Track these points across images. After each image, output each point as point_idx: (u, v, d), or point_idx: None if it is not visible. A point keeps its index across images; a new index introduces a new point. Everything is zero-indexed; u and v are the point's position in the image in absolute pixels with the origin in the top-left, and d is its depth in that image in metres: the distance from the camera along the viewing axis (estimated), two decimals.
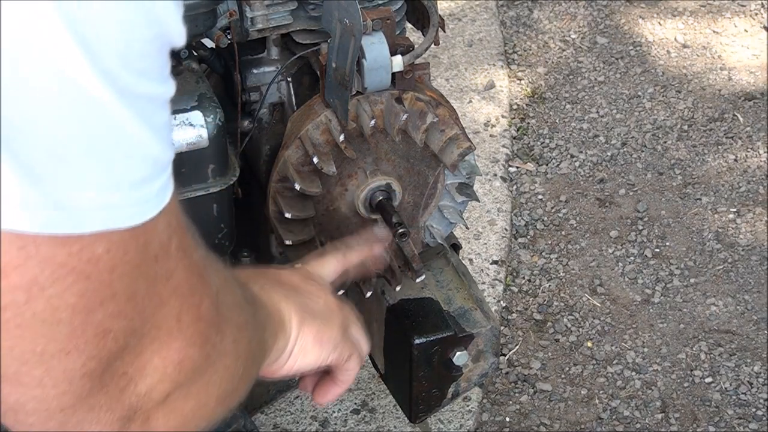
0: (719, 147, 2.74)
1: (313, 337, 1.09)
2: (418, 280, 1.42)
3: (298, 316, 1.08)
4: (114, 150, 0.66)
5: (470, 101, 2.80)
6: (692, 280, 2.40)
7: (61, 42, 0.61)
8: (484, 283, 2.30)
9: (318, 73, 1.36)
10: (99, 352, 0.71)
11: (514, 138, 2.76)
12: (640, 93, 2.90)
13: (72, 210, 0.66)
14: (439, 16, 1.42)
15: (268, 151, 1.44)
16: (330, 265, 1.25)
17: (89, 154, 0.65)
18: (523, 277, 2.41)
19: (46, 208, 0.65)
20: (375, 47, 1.28)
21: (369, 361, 1.58)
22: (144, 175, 0.69)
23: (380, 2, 1.37)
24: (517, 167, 2.68)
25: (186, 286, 0.76)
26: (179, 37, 0.68)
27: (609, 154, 2.72)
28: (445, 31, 1.45)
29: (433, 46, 1.39)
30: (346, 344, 1.14)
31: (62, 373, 0.70)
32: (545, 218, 2.56)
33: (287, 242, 1.37)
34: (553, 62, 3.01)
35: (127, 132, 0.66)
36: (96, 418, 0.73)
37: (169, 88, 0.70)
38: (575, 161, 2.71)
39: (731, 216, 2.55)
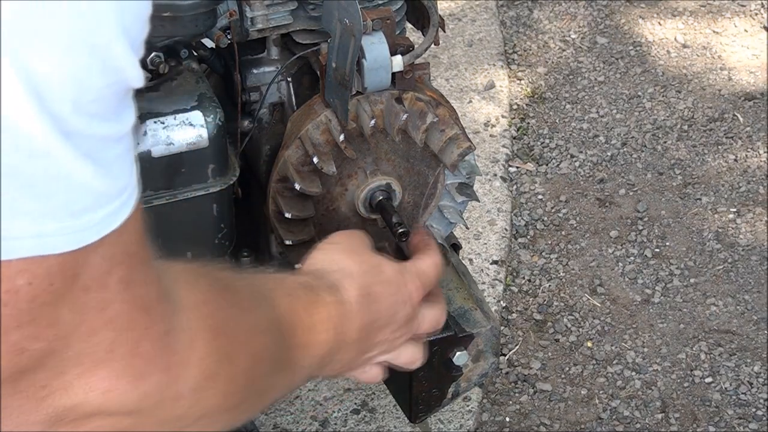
0: (719, 147, 2.74)
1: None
2: None
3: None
4: (51, 185, 0.68)
5: (470, 101, 2.80)
6: (692, 280, 2.40)
7: (10, 89, 0.64)
8: (484, 283, 2.30)
9: (318, 73, 1.36)
10: (12, 366, 0.72)
11: (514, 138, 2.76)
12: (640, 93, 2.90)
13: (4, 240, 0.67)
14: (439, 16, 1.42)
15: (268, 151, 1.44)
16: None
17: (23, 189, 0.67)
18: (523, 277, 2.41)
19: None
20: (375, 47, 1.28)
21: None
22: (84, 206, 0.70)
23: (380, 2, 1.37)
24: (517, 167, 2.68)
25: (124, 320, 0.75)
26: (137, 80, 0.70)
27: (609, 154, 2.72)
28: (445, 31, 1.45)
29: (433, 46, 1.39)
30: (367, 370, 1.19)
31: None
32: (545, 218, 2.56)
33: (287, 242, 1.37)
34: (553, 62, 3.02)
35: (68, 170, 0.68)
36: (12, 416, 0.75)
37: (125, 124, 0.71)
38: (575, 161, 2.71)
39: (731, 216, 2.55)
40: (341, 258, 1.13)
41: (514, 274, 2.42)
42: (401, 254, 1.41)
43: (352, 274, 1.10)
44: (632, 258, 2.45)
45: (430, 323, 1.22)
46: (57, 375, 0.74)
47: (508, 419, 2.12)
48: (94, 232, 0.71)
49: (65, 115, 0.66)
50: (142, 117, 1.27)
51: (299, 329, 0.98)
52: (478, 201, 1.59)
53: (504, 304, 2.33)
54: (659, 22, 3.14)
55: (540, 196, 2.61)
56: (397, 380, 1.50)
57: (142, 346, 0.77)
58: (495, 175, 2.59)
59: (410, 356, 1.22)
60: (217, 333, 0.85)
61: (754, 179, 2.65)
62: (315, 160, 1.32)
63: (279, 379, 0.97)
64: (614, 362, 2.23)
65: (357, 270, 1.11)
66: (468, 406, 2.05)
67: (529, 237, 2.51)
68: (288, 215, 1.35)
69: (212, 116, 1.30)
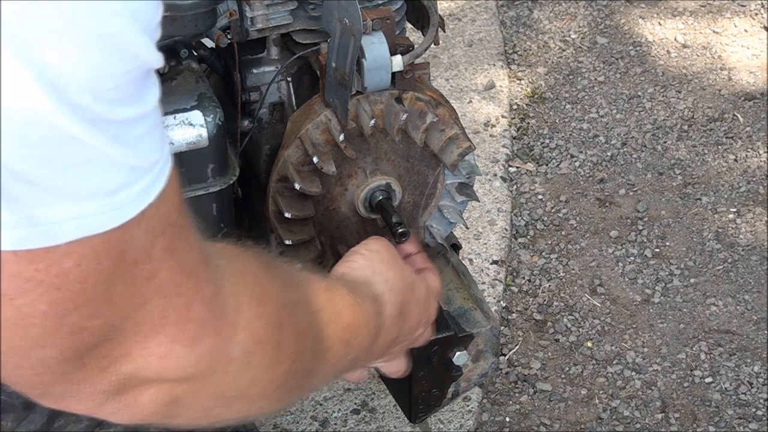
0: (719, 147, 2.74)
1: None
2: None
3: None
4: (84, 168, 0.69)
5: (470, 101, 2.80)
6: (692, 280, 2.40)
7: (25, 87, 0.65)
8: (484, 283, 2.30)
9: (318, 72, 1.36)
10: (75, 345, 0.74)
11: (514, 138, 2.76)
12: (640, 93, 2.90)
13: (46, 225, 0.69)
14: (439, 16, 1.42)
15: (268, 151, 1.44)
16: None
17: (58, 175, 0.68)
18: (523, 277, 2.41)
19: (19, 226, 0.68)
20: (375, 47, 1.28)
21: None
22: (120, 182, 0.71)
23: (380, 2, 1.37)
24: (517, 167, 2.68)
25: (171, 287, 0.78)
26: (156, 62, 0.72)
27: (609, 154, 2.72)
28: (445, 31, 1.45)
29: (433, 46, 1.39)
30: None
31: (39, 362, 0.74)
32: (545, 218, 2.56)
33: (287, 242, 1.37)
34: (553, 62, 3.02)
35: (98, 152, 0.69)
36: (77, 389, 0.78)
37: (149, 103, 0.73)
38: (575, 161, 2.71)
39: (731, 216, 2.55)
40: (384, 269, 1.16)
41: (514, 274, 2.42)
42: None
43: (394, 288, 1.14)
44: (632, 258, 2.45)
45: (423, 339, 1.29)
46: (117, 345, 0.77)
47: (508, 419, 2.12)
48: (133, 206, 0.72)
49: (87, 104, 0.67)
50: None
51: (341, 324, 1.01)
52: (478, 201, 1.60)
53: (504, 304, 2.33)
54: (659, 22, 3.14)
55: (540, 196, 2.61)
56: (396, 380, 1.50)
57: (193, 309, 0.80)
58: (495, 175, 2.59)
59: (398, 367, 1.27)
60: (262, 300, 0.88)
61: (754, 179, 2.65)
62: (315, 159, 1.32)
63: (320, 364, 0.99)
64: (614, 362, 2.23)
65: (399, 285, 1.14)
66: (468, 406, 2.05)
67: (529, 237, 2.51)
68: (288, 215, 1.35)
69: (212, 116, 1.30)
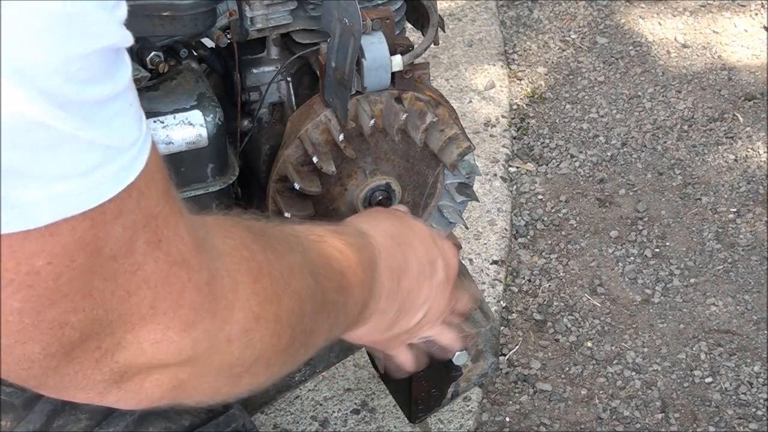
0: (719, 147, 2.74)
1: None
2: None
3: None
4: (55, 150, 0.67)
5: (470, 101, 2.80)
6: (692, 280, 2.40)
7: None
8: (484, 283, 2.30)
9: (318, 72, 1.36)
10: (58, 340, 0.73)
11: (514, 138, 2.76)
12: (640, 93, 2.90)
13: (20, 207, 0.67)
14: (439, 16, 1.42)
15: (268, 151, 1.44)
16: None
17: (27, 158, 0.67)
18: (523, 277, 2.41)
19: None
20: (375, 47, 1.28)
21: (369, 361, 1.58)
22: (94, 163, 0.69)
23: (380, 2, 1.37)
24: (517, 167, 2.68)
25: (159, 277, 0.76)
26: (124, 40, 0.70)
27: (609, 154, 2.72)
28: (444, 31, 1.45)
29: (433, 46, 1.39)
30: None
31: (23, 357, 0.73)
32: (545, 218, 2.56)
33: None
34: (553, 62, 3.02)
35: (68, 134, 0.67)
36: (73, 381, 0.76)
37: (119, 82, 0.71)
38: (575, 161, 2.70)
39: (731, 216, 2.55)
40: (373, 213, 1.19)
41: (514, 274, 2.42)
42: None
43: (380, 222, 1.14)
44: (632, 258, 2.45)
45: (466, 301, 1.27)
46: (106, 336, 0.75)
47: (508, 419, 2.12)
48: (110, 186, 0.71)
49: (56, 89, 0.66)
50: None
51: (333, 272, 1.00)
52: (478, 201, 1.60)
53: (504, 304, 2.33)
54: (659, 22, 3.14)
55: (540, 196, 2.61)
56: (396, 380, 1.50)
57: (185, 297, 0.78)
58: (495, 175, 2.59)
59: (452, 336, 1.24)
60: (259, 275, 0.87)
61: (754, 179, 2.65)
62: (314, 159, 1.32)
63: (322, 321, 0.98)
64: (614, 362, 2.23)
65: (386, 220, 1.16)
66: (468, 406, 2.05)
67: (529, 237, 2.51)
68: (288, 215, 1.35)
69: (212, 116, 1.30)
